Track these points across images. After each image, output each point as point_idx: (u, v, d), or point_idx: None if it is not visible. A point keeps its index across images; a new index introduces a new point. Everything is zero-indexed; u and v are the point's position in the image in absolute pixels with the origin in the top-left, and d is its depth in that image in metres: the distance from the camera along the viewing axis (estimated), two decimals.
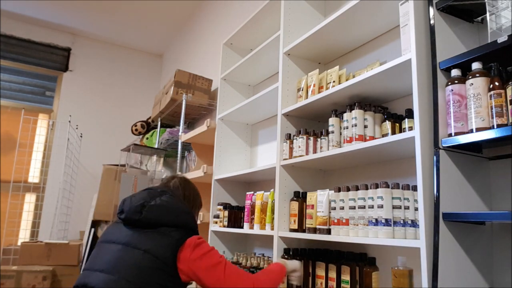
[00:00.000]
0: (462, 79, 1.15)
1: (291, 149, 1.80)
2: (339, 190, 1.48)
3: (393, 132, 1.44)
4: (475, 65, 1.12)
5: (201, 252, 1.31)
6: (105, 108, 5.04)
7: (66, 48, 4.89)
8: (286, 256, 1.69)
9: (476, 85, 1.09)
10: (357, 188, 1.40)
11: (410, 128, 1.36)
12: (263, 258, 1.93)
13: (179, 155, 3.16)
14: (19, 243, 3.67)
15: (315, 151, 1.72)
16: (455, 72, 1.17)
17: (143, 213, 1.35)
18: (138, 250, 1.29)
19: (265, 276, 1.39)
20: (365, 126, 1.48)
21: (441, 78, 1.20)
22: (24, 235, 4.27)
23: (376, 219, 1.27)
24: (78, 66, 4.97)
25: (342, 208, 1.44)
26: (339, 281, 1.45)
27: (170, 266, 1.27)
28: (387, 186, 1.28)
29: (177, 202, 1.44)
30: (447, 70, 1.20)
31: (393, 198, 1.25)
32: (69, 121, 4.21)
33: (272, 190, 1.91)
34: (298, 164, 1.78)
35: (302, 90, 1.83)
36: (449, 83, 1.16)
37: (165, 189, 1.50)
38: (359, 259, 1.45)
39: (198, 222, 2.44)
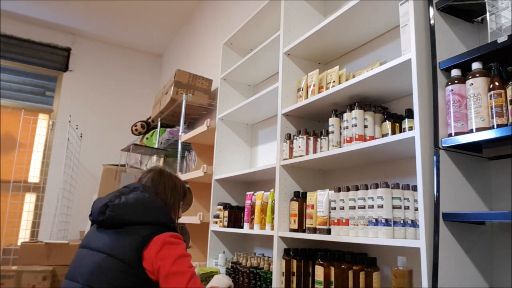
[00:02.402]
0: (462, 79, 1.15)
1: (291, 149, 1.80)
2: (339, 190, 1.48)
3: (393, 132, 1.44)
4: (475, 65, 1.12)
5: (169, 254, 1.22)
6: (105, 108, 5.04)
7: (66, 48, 4.89)
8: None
9: (476, 85, 1.09)
10: (357, 188, 1.40)
11: (410, 128, 1.36)
12: (263, 258, 1.93)
13: (179, 155, 3.16)
14: (19, 243, 3.67)
15: (315, 151, 1.72)
16: (455, 72, 1.17)
17: (106, 213, 1.30)
18: (101, 254, 1.24)
19: None
20: (365, 126, 1.48)
21: (441, 78, 1.20)
22: (24, 235, 4.27)
23: (376, 219, 1.27)
24: (78, 66, 4.97)
25: (342, 208, 1.44)
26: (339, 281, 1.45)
27: (135, 267, 1.21)
28: (387, 186, 1.28)
29: (147, 198, 1.36)
30: (447, 70, 1.20)
31: (393, 198, 1.25)
32: (69, 121, 4.21)
33: (272, 190, 1.91)
34: (298, 164, 1.78)
35: (302, 90, 1.83)
36: (449, 83, 1.16)
37: (138, 186, 1.43)
38: (359, 260, 1.45)
39: (198, 222, 2.44)
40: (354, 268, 1.41)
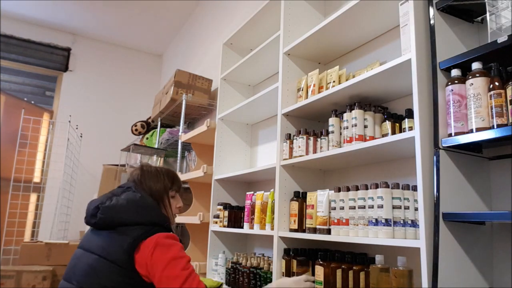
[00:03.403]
0: (462, 79, 1.15)
1: (291, 149, 1.80)
2: (339, 190, 1.48)
3: (393, 132, 1.44)
4: (475, 65, 1.12)
5: (161, 258, 1.18)
6: (105, 108, 5.04)
7: (66, 48, 4.89)
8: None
9: (476, 85, 1.09)
10: (357, 188, 1.40)
11: (410, 128, 1.36)
12: (263, 258, 1.93)
13: (179, 155, 3.16)
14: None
15: (315, 151, 1.72)
16: (455, 72, 1.17)
17: (97, 215, 1.29)
18: (93, 254, 1.24)
19: None
20: (365, 126, 1.48)
21: (441, 78, 1.20)
22: (24, 235, 4.26)
23: (376, 219, 1.27)
24: (78, 66, 4.97)
25: (342, 208, 1.44)
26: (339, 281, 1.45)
27: (127, 269, 1.18)
28: (387, 186, 1.28)
29: (138, 197, 1.33)
30: (447, 70, 1.20)
31: (393, 198, 1.25)
32: (69, 121, 4.21)
33: (272, 190, 1.91)
34: (298, 164, 1.78)
35: (302, 90, 1.83)
36: (449, 83, 1.16)
37: (131, 185, 1.40)
38: (359, 259, 1.45)
39: (198, 222, 2.44)
40: (354, 268, 1.41)
